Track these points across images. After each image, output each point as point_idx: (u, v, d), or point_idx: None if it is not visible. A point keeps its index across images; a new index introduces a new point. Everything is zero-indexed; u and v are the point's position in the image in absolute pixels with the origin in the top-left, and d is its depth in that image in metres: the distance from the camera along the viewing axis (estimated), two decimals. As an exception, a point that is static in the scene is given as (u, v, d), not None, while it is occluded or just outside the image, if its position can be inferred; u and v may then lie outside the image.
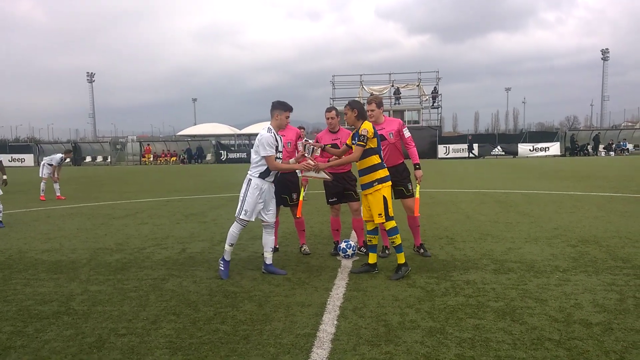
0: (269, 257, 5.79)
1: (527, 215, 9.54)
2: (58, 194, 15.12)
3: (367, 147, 5.39)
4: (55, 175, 15.29)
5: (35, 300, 4.91)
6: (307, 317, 4.28)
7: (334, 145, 6.52)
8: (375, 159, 5.47)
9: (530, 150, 42.95)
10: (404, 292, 4.90)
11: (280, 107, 5.74)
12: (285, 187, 6.54)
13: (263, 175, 5.61)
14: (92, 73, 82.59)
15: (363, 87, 49.52)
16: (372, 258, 5.65)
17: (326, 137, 6.63)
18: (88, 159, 51.38)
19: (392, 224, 5.45)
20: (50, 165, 15.24)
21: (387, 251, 6.50)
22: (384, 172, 5.48)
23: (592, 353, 3.44)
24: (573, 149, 43.41)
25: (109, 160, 50.72)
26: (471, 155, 42.55)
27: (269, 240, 5.83)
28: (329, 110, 6.64)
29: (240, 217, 5.58)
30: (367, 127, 5.40)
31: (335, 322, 4.14)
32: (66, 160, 15.76)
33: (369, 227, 5.64)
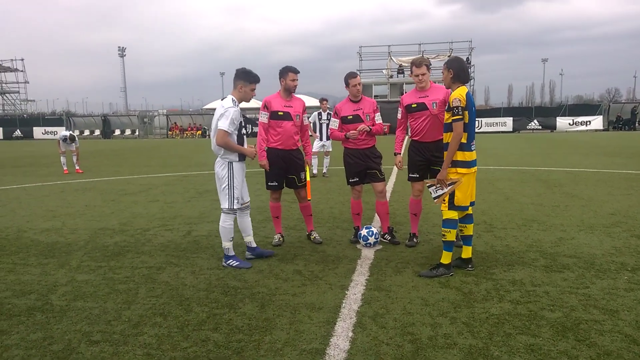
0: (252, 241, 5.23)
1: (576, 197, 8.50)
2: (77, 168, 14.81)
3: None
4: (62, 150, 14.72)
5: (14, 291, 4.31)
6: (316, 326, 3.52)
7: (356, 117, 5.64)
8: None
9: (569, 124, 40.75)
10: (435, 295, 4.08)
11: (245, 78, 4.90)
12: (292, 166, 5.71)
13: (243, 157, 4.94)
14: (123, 47, 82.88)
15: (391, 59, 47.79)
16: (466, 252, 4.73)
17: (346, 107, 5.73)
18: (117, 132, 51.64)
19: (450, 214, 4.53)
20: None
21: (415, 239, 5.66)
22: (464, 155, 4.49)
23: (692, 396, 2.57)
24: (633, 121, 40.97)
25: (137, 133, 50.88)
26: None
27: (247, 222, 5.24)
28: (353, 75, 5.68)
29: (234, 207, 4.88)
30: (458, 95, 4.41)
31: (351, 334, 3.36)
32: (73, 142, 14.94)
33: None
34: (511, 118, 41.93)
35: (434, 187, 4.60)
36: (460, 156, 4.46)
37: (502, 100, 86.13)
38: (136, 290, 4.29)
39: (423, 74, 5.26)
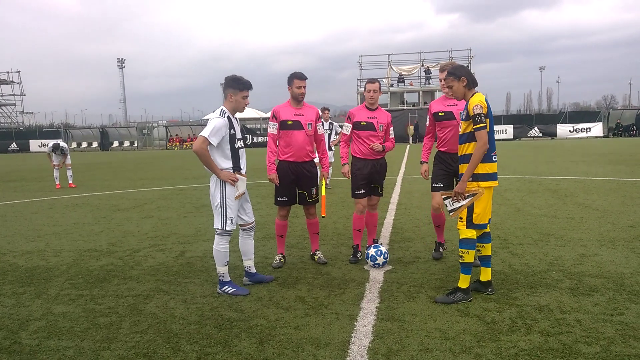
0: (251, 266, 4.78)
1: (589, 208, 8.07)
2: (70, 182, 14.35)
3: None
4: (55, 163, 14.20)
5: (-20, 328, 3.85)
6: (322, 367, 3.07)
7: (369, 125, 5.31)
8: None
9: (570, 131, 40.52)
10: (455, 325, 3.63)
11: (234, 86, 4.46)
12: (304, 180, 5.28)
13: (236, 168, 4.48)
14: (122, 59, 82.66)
15: (392, 68, 47.60)
16: (485, 274, 4.26)
17: (361, 113, 5.38)
18: (115, 144, 51.22)
19: (468, 233, 4.09)
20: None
21: (441, 249, 5.41)
22: (485, 167, 4.06)
23: None
24: (638, 127, 40.44)
25: (135, 145, 50.46)
26: None
27: (250, 245, 4.79)
28: (372, 80, 5.37)
29: (227, 229, 4.44)
30: (479, 101, 3.99)
31: (362, 378, 2.92)
32: (63, 152, 14.38)
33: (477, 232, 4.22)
34: (512, 126, 41.70)
35: (451, 199, 4.17)
36: (482, 168, 4.04)
37: (501, 108, 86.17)
38: (119, 325, 3.83)
39: (444, 79, 4.93)
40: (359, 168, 5.38)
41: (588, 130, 40.44)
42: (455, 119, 4.97)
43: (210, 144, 4.26)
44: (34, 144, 48.12)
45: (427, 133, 5.46)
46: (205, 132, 4.27)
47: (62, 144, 14.50)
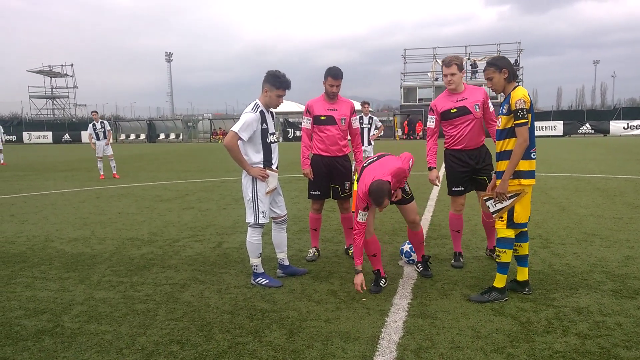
0: (285, 258, 4.81)
1: (639, 209, 7.69)
2: (114, 172, 14.87)
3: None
4: (99, 155, 14.74)
5: (26, 310, 4.06)
6: (350, 361, 3.07)
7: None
8: None
9: (624, 128, 38.58)
10: (488, 325, 3.55)
11: (271, 82, 4.44)
12: (337, 174, 5.27)
13: (267, 162, 4.50)
14: (170, 52, 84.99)
15: (437, 61, 46.79)
16: (522, 273, 4.17)
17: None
18: (162, 136, 52.73)
19: (507, 233, 3.97)
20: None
21: (461, 259, 5.05)
22: (525, 165, 3.90)
23: None
24: None
25: (181, 137, 51.78)
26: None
27: (283, 238, 4.82)
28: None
29: (260, 222, 4.49)
30: (522, 95, 3.82)
31: (390, 374, 2.90)
32: (100, 124, 14.86)
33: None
34: (561, 122, 40.12)
35: (493, 200, 4.04)
36: (522, 165, 3.90)
37: (551, 103, 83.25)
38: (155, 312, 3.96)
39: (453, 74, 4.66)
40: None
41: (644, 127, 38.40)
42: (471, 113, 4.67)
43: (240, 138, 4.31)
44: (86, 135, 49.99)
45: (430, 135, 4.91)
46: (236, 127, 4.32)
47: (105, 121, 15.13)
